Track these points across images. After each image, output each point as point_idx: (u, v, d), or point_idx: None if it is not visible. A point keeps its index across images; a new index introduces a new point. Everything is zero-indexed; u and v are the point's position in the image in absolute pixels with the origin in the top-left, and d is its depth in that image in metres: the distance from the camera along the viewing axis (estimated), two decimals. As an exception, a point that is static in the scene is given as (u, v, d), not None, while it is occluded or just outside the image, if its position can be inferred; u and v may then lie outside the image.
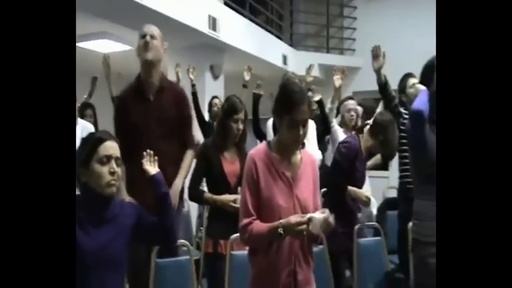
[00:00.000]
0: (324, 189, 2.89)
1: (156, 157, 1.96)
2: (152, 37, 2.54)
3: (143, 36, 2.53)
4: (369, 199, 2.80)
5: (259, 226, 1.72)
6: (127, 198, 2.36)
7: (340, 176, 2.84)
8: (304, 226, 1.63)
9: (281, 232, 1.65)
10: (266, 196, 1.74)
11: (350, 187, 2.78)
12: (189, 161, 2.66)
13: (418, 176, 2.17)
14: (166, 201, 1.88)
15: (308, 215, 1.64)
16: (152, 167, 1.93)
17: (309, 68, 4.30)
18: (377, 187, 4.75)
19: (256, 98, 3.94)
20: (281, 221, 1.66)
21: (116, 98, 2.88)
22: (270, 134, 2.93)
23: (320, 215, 1.62)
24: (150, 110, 2.54)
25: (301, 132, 1.73)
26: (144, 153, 1.96)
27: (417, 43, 7.03)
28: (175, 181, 2.55)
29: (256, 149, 1.85)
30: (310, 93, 3.46)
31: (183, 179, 2.62)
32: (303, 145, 1.87)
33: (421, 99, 2.05)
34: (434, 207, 2.05)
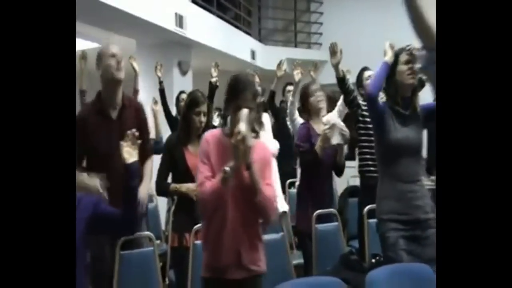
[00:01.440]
0: None
1: (139, 142, 1.96)
2: (120, 56, 2.51)
3: (113, 56, 2.48)
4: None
5: (209, 181, 1.87)
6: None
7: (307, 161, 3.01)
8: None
9: (225, 170, 1.79)
10: (215, 172, 1.88)
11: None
12: (150, 168, 2.70)
13: (378, 159, 2.41)
14: (132, 194, 1.90)
15: None
16: (130, 155, 1.91)
17: (280, 64, 4.39)
18: (344, 176, 4.93)
19: (212, 89, 3.98)
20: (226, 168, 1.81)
21: (76, 117, 2.81)
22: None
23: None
24: (113, 129, 2.49)
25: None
26: (128, 132, 1.95)
27: (382, 37, 7.24)
28: (140, 189, 2.61)
29: (211, 133, 2.01)
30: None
31: (148, 186, 2.67)
32: (257, 134, 1.97)
33: (373, 83, 2.30)
34: (391, 187, 2.27)
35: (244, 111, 1.84)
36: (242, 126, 1.78)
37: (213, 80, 3.81)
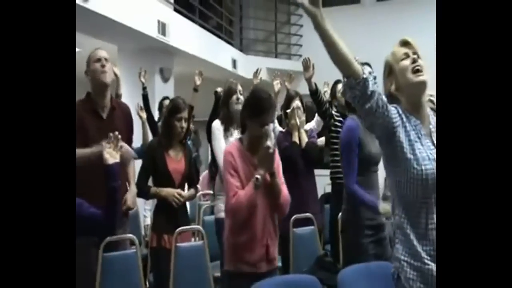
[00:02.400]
0: None
1: (121, 144, 2.01)
2: (106, 60, 2.58)
3: (98, 60, 2.55)
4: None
5: (242, 191, 2.07)
6: None
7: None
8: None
9: (257, 178, 2.02)
10: (242, 181, 2.08)
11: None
12: (133, 172, 2.77)
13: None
14: (112, 194, 1.94)
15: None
16: (112, 155, 1.94)
17: (256, 72, 4.51)
18: (320, 184, 5.08)
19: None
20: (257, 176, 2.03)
21: None
22: (215, 134, 3.09)
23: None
24: (104, 128, 2.49)
25: (266, 127, 2.08)
26: (111, 134, 1.98)
27: (358, 49, 7.45)
28: (130, 187, 2.67)
29: (232, 146, 2.19)
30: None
31: (135, 190, 2.72)
32: None
33: (346, 132, 2.42)
34: None
35: (270, 127, 2.08)
36: (270, 142, 2.02)
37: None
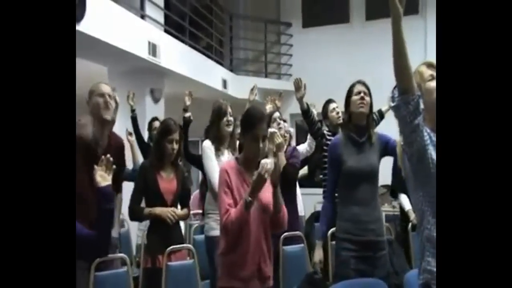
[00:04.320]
0: None
1: (113, 167, 2.02)
2: (110, 97, 2.51)
3: (102, 95, 2.48)
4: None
5: (234, 209, 2.09)
6: None
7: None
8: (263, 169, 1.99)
9: (248, 198, 2.02)
10: (235, 199, 2.12)
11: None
12: (120, 196, 2.74)
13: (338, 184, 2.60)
14: (105, 216, 1.98)
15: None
16: (103, 179, 1.97)
17: (253, 89, 4.57)
18: (310, 202, 5.14)
19: (186, 123, 4.08)
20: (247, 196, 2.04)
21: None
22: (207, 153, 3.11)
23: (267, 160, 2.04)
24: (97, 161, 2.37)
25: (261, 145, 2.13)
26: (103, 157, 1.99)
27: (349, 69, 7.58)
28: None
29: (227, 163, 2.25)
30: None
31: (120, 211, 2.77)
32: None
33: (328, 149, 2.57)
34: (347, 209, 2.45)
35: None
36: (268, 160, 2.04)
37: (187, 115, 3.84)
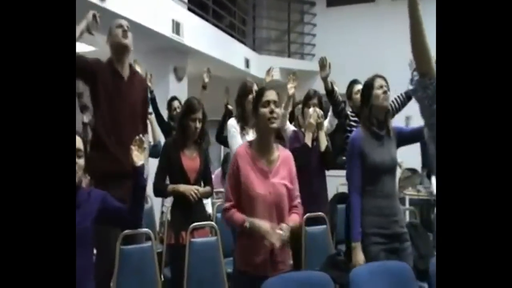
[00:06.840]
0: None
1: (144, 146, 2.07)
2: (128, 28, 2.81)
3: (120, 26, 2.78)
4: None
5: (236, 215, 2.07)
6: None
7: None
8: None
9: (247, 225, 2.02)
10: (245, 185, 2.07)
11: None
12: None
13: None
14: (140, 193, 2.03)
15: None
16: (138, 158, 2.01)
17: (269, 70, 4.53)
18: (333, 184, 5.11)
19: (227, 114, 4.14)
20: (251, 219, 2.02)
21: (88, 69, 2.77)
22: (231, 132, 3.14)
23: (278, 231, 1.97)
24: (124, 88, 2.77)
25: (273, 107, 2.04)
26: (137, 137, 2.04)
27: (373, 49, 7.44)
28: None
29: (240, 147, 2.20)
30: None
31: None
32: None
33: (348, 143, 2.51)
34: (372, 203, 2.40)
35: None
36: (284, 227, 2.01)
37: (230, 107, 3.96)
